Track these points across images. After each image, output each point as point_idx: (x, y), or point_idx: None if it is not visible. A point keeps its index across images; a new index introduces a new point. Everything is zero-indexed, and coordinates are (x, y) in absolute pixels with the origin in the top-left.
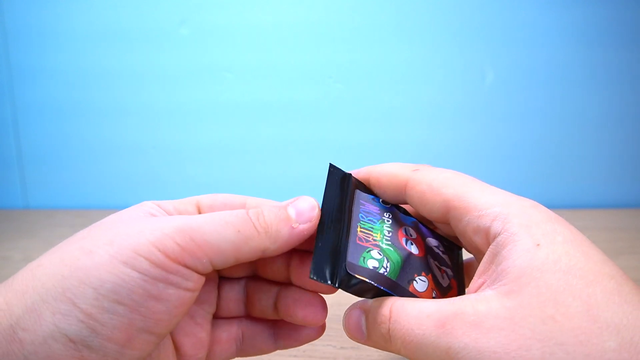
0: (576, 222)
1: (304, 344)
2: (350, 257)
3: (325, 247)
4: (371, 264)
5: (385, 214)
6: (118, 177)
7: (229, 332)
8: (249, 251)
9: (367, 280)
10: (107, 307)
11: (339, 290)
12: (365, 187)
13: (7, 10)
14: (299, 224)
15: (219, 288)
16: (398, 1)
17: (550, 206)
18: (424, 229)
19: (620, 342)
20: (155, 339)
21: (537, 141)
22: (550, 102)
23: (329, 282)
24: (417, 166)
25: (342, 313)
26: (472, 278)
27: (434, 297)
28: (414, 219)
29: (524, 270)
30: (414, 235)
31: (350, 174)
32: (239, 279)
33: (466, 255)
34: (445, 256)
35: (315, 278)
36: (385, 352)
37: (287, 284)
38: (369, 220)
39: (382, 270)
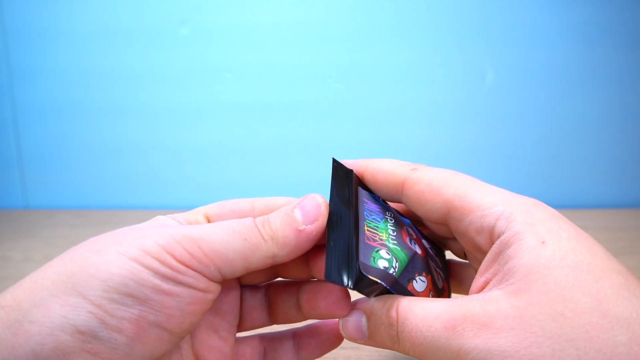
0: (576, 222)
1: (325, 353)
2: (362, 257)
3: (337, 246)
4: (381, 264)
5: (387, 212)
6: (118, 177)
7: (252, 347)
8: (257, 260)
9: (379, 281)
10: (116, 298)
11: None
12: (364, 184)
13: (7, 10)
14: (306, 225)
15: (241, 298)
16: (398, 1)
17: (550, 206)
18: (417, 231)
19: (631, 336)
20: (168, 336)
21: (537, 141)
22: (550, 102)
23: (344, 283)
24: (415, 165)
25: None
26: (457, 276)
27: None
28: (409, 220)
29: (531, 268)
30: (414, 235)
31: (352, 171)
32: (260, 287)
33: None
34: (437, 258)
35: (330, 279)
36: (385, 351)
37: (307, 280)
38: (374, 219)
39: (391, 271)
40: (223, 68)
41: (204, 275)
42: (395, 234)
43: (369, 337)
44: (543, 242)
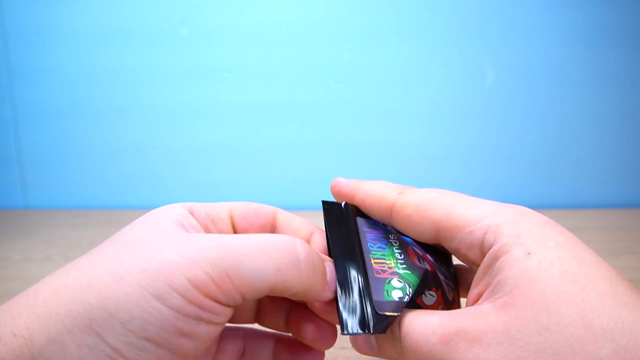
0: (576, 222)
1: None
2: (375, 295)
3: (347, 294)
4: (396, 295)
5: (390, 236)
6: (118, 177)
7: (234, 344)
8: (281, 291)
9: (396, 314)
10: (135, 343)
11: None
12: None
13: (7, 10)
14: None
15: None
16: (398, 1)
17: (550, 206)
18: (419, 246)
19: (615, 348)
20: None
21: (537, 141)
22: (550, 102)
23: (364, 331)
24: (402, 188)
25: None
26: (464, 282)
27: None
28: (410, 238)
29: (518, 281)
30: (420, 252)
31: (347, 203)
32: (239, 329)
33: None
34: (444, 269)
35: (348, 333)
36: None
37: (301, 303)
38: (379, 248)
39: (406, 299)
40: (223, 68)
41: (227, 305)
42: (402, 257)
43: (379, 351)
44: (529, 253)
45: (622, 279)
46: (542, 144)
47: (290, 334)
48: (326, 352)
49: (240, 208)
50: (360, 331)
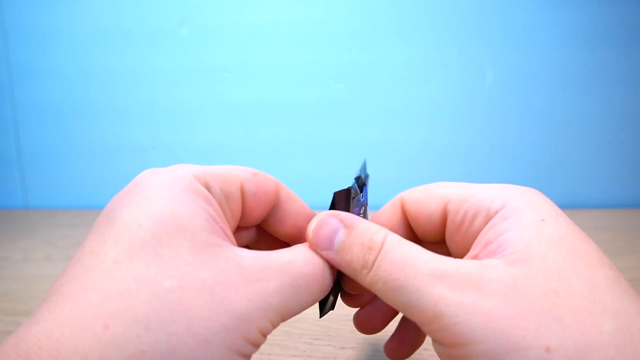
0: (576, 222)
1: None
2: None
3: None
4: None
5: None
6: (118, 177)
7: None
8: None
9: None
10: None
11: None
12: (360, 184)
13: (7, 10)
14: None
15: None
16: (398, 1)
17: None
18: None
19: (617, 327)
20: None
21: (537, 141)
22: (550, 103)
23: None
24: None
25: (342, 312)
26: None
27: None
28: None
29: (532, 242)
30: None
31: (350, 188)
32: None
33: None
34: None
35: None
36: None
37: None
38: None
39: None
40: (223, 68)
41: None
42: None
43: (337, 252)
44: (543, 220)
45: (622, 275)
46: (542, 144)
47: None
48: (326, 351)
49: (250, 184)
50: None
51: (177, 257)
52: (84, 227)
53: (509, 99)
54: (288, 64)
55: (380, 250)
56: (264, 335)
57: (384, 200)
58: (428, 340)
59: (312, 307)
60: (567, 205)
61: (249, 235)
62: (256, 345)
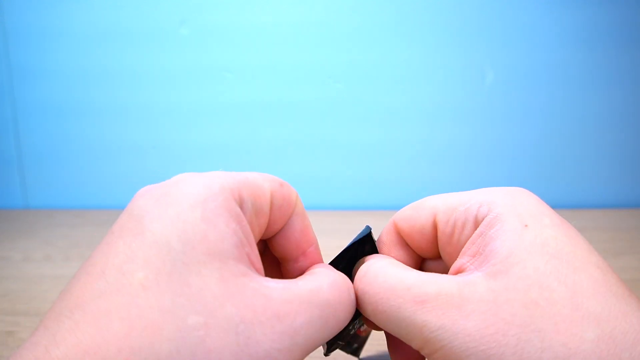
0: (576, 222)
1: None
2: None
3: None
4: None
5: None
6: (118, 177)
7: None
8: None
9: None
10: None
11: None
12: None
13: (7, 10)
14: None
15: None
16: (398, 1)
17: (551, 206)
18: None
19: (600, 334)
20: None
21: (537, 141)
22: (550, 102)
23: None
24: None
25: None
26: None
27: None
28: None
29: (512, 250)
30: None
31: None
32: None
33: None
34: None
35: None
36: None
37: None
38: None
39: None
40: (223, 68)
41: None
42: None
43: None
44: (525, 226)
45: (611, 269)
46: (543, 144)
47: None
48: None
49: (278, 196)
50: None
51: (204, 289)
52: (84, 227)
53: (509, 99)
54: (288, 64)
55: (361, 281)
56: None
57: (384, 200)
58: None
59: None
60: (567, 205)
61: None
62: None
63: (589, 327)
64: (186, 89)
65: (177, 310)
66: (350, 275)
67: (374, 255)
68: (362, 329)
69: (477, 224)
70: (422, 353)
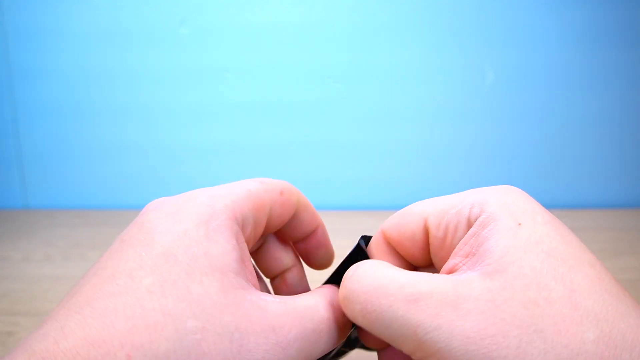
0: (576, 222)
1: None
2: None
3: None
4: None
5: None
6: (118, 177)
7: None
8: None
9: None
10: None
11: None
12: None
13: (7, 10)
14: None
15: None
16: (398, 1)
17: (550, 206)
18: None
19: (599, 335)
20: None
21: (537, 141)
22: (550, 103)
23: None
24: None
25: None
26: None
27: None
28: None
29: (508, 249)
30: None
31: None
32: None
33: None
34: None
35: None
36: None
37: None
38: None
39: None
40: (223, 68)
41: None
42: None
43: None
44: (519, 224)
45: (605, 268)
46: (542, 144)
47: None
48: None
49: (277, 207)
50: None
51: (205, 297)
52: (84, 227)
53: (509, 99)
54: (288, 64)
55: (349, 280)
56: None
57: (384, 200)
58: None
59: None
60: (567, 205)
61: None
62: None
63: (589, 327)
64: (186, 89)
65: (178, 314)
66: None
67: (363, 261)
68: None
69: (469, 225)
70: (415, 358)
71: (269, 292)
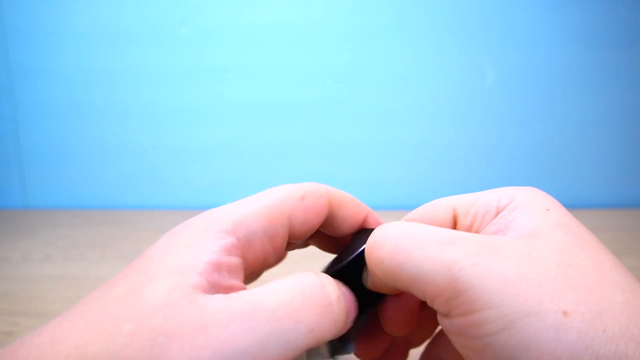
0: None
1: None
2: None
3: None
4: None
5: None
6: (118, 177)
7: None
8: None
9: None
10: None
11: None
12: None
13: (7, 10)
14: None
15: None
16: (398, 1)
17: None
18: None
19: (626, 300)
20: None
21: (537, 141)
22: (551, 103)
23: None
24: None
25: None
26: None
27: None
28: None
29: (540, 224)
30: None
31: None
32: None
33: None
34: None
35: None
36: None
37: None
38: None
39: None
40: (223, 68)
41: None
42: None
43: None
44: (548, 210)
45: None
46: (543, 144)
47: None
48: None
49: (298, 213)
50: None
51: (149, 299)
52: (84, 227)
53: (509, 99)
54: (288, 64)
55: (382, 229)
56: None
57: (384, 200)
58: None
59: None
60: (567, 205)
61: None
62: None
63: (616, 292)
64: (186, 89)
65: (121, 317)
66: (358, 287)
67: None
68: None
69: (498, 213)
70: (438, 301)
71: None
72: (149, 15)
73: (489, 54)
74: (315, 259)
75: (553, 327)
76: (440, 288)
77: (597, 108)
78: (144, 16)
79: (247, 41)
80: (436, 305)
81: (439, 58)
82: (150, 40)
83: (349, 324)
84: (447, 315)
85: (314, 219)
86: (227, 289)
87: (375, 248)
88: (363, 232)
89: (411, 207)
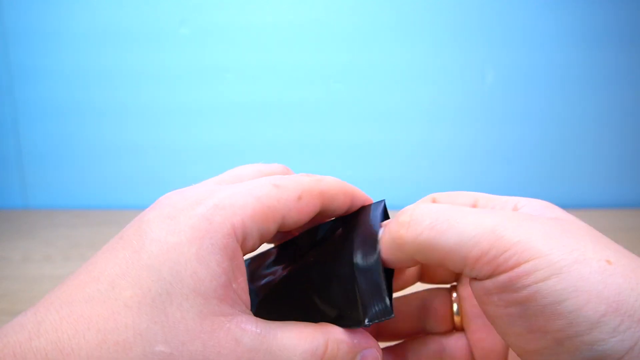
0: None
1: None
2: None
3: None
4: None
5: None
6: (118, 177)
7: None
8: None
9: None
10: None
11: None
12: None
13: (7, 10)
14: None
15: None
16: (398, 1)
17: None
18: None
19: None
20: None
21: (537, 142)
22: (550, 103)
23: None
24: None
25: None
26: None
27: None
28: None
29: (559, 216)
30: None
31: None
32: None
33: None
34: None
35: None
36: None
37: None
38: None
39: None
40: (223, 68)
41: None
42: None
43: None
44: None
45: None
46: (542, 144)
47: None
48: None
49: (293, 215)
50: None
51: (180, 322)
52: (83, 227)
53: (509, 99)
54: (288, 64)
55: (411, 209)
56: None
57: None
58: None
59: None
60: (567, 205)
61: None
62: None
63: None
64: (186, 89)
65: (149, 336)
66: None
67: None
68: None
69: (516, 210)
70: (479, 263)
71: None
72: (149, 15)
73: (489, 54)
74: None
75: (599, 272)
76: (484, 249)
77: (597, 108)
78: (144, 16)
79: (247, 41)
80: (477, 268)
81: (439, 58)
82: (150, 40)
83: None
84: (490, 275)
85: (306, 219)
86: (245, 301)
87: (412, 224)
88: (351, 217)
89: None
